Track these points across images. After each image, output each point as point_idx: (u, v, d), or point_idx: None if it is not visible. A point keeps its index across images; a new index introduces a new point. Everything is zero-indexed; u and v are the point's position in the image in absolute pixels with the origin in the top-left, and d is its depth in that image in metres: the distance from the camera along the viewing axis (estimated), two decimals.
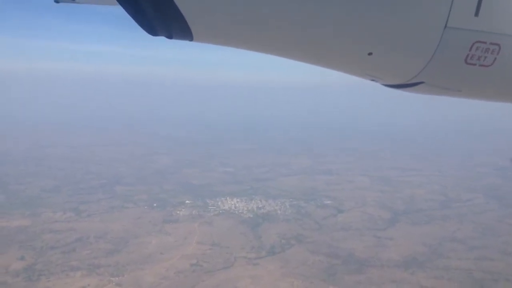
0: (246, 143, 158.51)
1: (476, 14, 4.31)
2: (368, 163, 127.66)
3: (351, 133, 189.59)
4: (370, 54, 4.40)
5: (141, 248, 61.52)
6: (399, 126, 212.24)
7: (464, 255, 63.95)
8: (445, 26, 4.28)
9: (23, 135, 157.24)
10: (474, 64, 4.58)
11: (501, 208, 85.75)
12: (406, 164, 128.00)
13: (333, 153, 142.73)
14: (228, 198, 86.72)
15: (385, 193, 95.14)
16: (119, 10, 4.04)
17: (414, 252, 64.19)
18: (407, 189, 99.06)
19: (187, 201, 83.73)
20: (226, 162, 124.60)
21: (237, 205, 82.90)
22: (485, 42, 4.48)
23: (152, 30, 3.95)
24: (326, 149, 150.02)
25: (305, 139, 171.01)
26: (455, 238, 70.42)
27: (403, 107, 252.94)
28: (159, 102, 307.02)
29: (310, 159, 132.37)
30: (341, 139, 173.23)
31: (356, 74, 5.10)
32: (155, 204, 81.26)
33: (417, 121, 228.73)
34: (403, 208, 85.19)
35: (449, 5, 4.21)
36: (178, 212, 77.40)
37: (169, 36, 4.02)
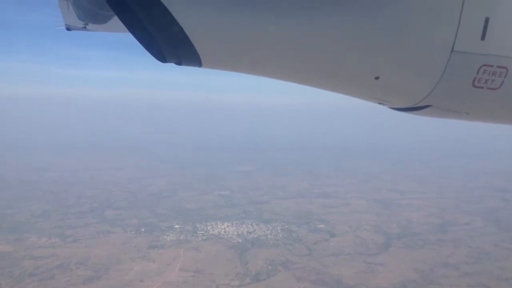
0: (246, 165, 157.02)
1: (483, 38, 4.36)
2: (368, 186, 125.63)
3: (354, 154, 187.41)
4: (377, 78, 4.47)
5: (121, 275, 60.01)
6: (402, 147, 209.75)
7: (456, 282, 61.79)
8: (452, 50, 4.34)
9: (24, 159, 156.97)
10: (482, 87, 4.61)
11: (499, 232, 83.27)
12: (407, 186, 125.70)
13: (333, 175, 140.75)
14: (218, 222, 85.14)
15: (381, 217, 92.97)
16: (129, 37, 4.14)
17: (404, 279, 62.07)
18: (404, 213, 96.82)
19: (176, 226, 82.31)
20: (224, 184, 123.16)
21: (227, 229, 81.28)
22: (492, 66, 4.51)
23: (161, 56, 4.07)
24: (326, 171, 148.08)
25: (306, 161, 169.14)
26: (448, 263, 68.15)
27: (408, 128, 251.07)
28: (162, 125, 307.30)
29: (308, 181, 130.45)
30: (343, 160, 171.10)
31: (363, 97, 5.18)
32: (143, 229, 79.84)
33: (421, 142, 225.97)
34: (398, 232, 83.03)
35: (456, 29, 4.27)
36: (165, 238, 75.90)
37: (178, 63, 4.13)
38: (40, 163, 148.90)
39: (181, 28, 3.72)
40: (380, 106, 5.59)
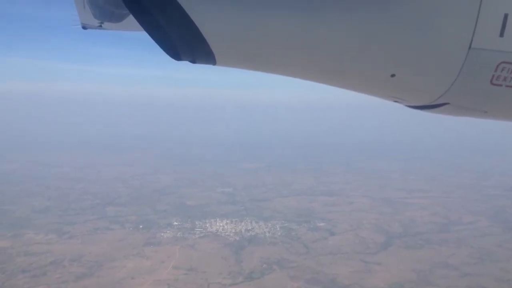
0: (254, 162, 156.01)
1: (501, 34, 4.26)
2: (374, 184, 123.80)
3: (362, 152, 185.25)
4: (393, 75, 4.41)
5: (113, 272, 59.68)
6: (413, 145, 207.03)
7: (454, 283, 60.28)
8: (470, 47, 4.25)
9: (32, 155, 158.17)
10: (500, 85, 4.51)
11: (504, 232, 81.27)
12: (414, 185, 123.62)
13: (340, 173, 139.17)
14: (218, 219, 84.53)
15: (384, 215, 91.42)
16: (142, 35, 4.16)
17: (401, 279, 60.76)
18: (408, 211, 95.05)
19: (175, 223, 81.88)
20: (228, 181, 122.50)
21: (225, 227, 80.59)
22: (511, 63, 4.40)
23: (176, 55, 4.08)
24: (333, 168, 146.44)
25: (314, 159, 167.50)
26: (448, 264, 66.57)
27: (419, 125, 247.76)
28: (170, 122, 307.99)
29: (314, 179, 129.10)
30: (351, 158, 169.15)
31: (378, 95, 5.11)
32: (141, 226, 79.61)
33: (432, 140, 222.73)
34: (400, 231, 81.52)
35: (473, 26, 4.18)
36: (162, 235, 75.50)
37: (193, 61, 4.16)
38: (48, 159, 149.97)
39: (195, 26, 3.72)
40: (392, 104, 5.51)
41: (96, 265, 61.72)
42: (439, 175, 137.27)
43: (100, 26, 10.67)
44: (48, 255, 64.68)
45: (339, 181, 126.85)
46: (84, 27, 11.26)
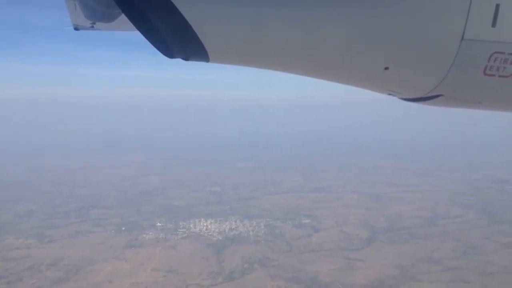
0: (245, 161, 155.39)
1: (493, 25, 4.28)
2: (364, 180, 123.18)
3: (354, 149, 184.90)
4: (386, 68, 4.43)
5: (91, 276, 58.82)
6: (404, 140, 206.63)
7: (437, 277, 59.56)
8: (462, 38, 4.27)
9: (24, 159, 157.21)
10: (493, 75, 4.53)
11: (491, 225, 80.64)
12: (404, 179, 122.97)
13: (330, 170, 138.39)
14: (202, 219, 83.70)
15: (370, 211, 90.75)
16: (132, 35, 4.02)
17: (383, 275, 60.00)
18: (395, 206, 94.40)
19: (158, 224, 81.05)
20: (218, 181, 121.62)
21: (209, 226, 79.79)
22: (503, 53, 4.43)
23: (168, 52, 4.08)
24: (324, 165, 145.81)
25: (306, 156, 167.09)
26: (432, 258, 65.89)
27: (411, 121, 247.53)
28: (164, 123, 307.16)
29: (304, 176, 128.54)
30: (343, 155, 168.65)
31: (373, 89, 5.11)
32: (123, 228, 78.74)
33: (424, 135, 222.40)
34: (385, 226, 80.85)
35: (465, 17, 4.20)
36: (144, 236, 74.66)
37: (186, 58, 4.17)
38: (39, 164, 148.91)
39: (188, 24, 3.70)
40: (385, 100, 5.25)
41: (74, 269, 60.86)
42: (429, 169, 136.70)
43: (92, 26, 10.64)
44: (27, 260, 63.76)
45: (329, 177, 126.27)
46: (76, 28, 11.16)
